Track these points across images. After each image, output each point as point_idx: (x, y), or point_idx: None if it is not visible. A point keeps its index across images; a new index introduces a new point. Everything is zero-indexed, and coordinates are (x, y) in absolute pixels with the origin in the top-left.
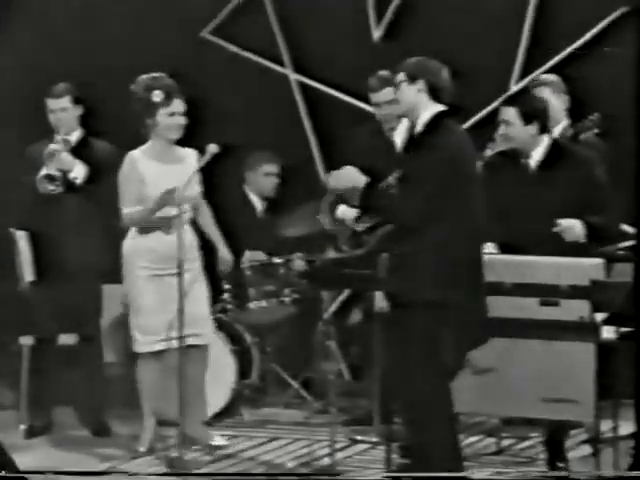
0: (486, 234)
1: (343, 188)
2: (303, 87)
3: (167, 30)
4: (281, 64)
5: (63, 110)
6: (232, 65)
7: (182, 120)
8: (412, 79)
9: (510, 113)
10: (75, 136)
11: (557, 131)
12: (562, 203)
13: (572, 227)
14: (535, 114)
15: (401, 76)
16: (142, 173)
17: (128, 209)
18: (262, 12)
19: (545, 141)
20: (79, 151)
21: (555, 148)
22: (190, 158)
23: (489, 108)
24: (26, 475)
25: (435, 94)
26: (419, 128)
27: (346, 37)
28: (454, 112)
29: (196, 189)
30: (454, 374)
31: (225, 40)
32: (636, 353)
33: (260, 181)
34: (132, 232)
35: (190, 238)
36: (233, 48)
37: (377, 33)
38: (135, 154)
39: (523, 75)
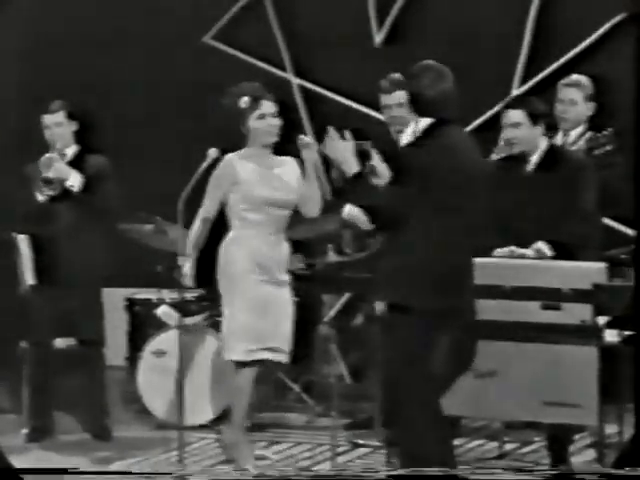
0: (483, 238)
1: (334, 158)
2: (305, 91)
3: (169, 35)
4: (283, 69)
5: (58, 125)
6: (233, 70)
7: (274, 121)
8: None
9: (518, 115)
10: (70, 151)
11: (574, 134)
12: (556, 207)
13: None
14: (540, 115)
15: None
16: (238, 174)
17: (203, 212)
18: (263, 17)
19: (543, 144)
20: (75, 166)
21: (551, 152)
22: (290, 165)
23: (491, 112)
24: (22, 475)
25: (422, 106)
26: (405, 140)
27: (348, 41)
28: (447, 122)
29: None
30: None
31: (227, 45)
32: (635, 355)
33: None
34: (231, 232)
35: (285, 249)
36: (235, 53)
37: (379, 37)
38: (232, 156)
39: (524, 79)
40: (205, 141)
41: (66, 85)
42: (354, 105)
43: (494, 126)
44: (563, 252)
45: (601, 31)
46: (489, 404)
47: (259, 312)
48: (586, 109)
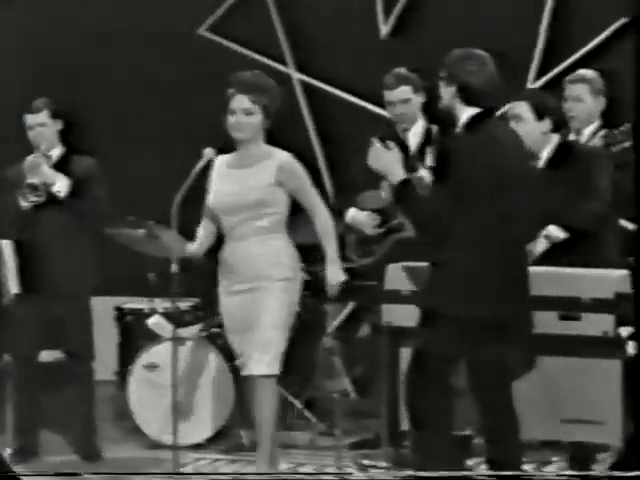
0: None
1: (378, 169)
2: (306, 87)
3: (162, 29)
4: (283, 63)
5: (42, 125)
6: (232, 64)
7: (242, 118)
8: (449, 80)
9: (522, 108)
10: (56, 153)
11: (587, 132)
12: (567, 204)
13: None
14: (548, 111)
15: (442, 72)
16: (211, 179)
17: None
18: (263, 7)
19: (554, 140)
20: (61, 168)
21: (564, 148)
22: (271, 160)
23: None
24: (19, 477)
25: (471, 96)
26: (456, 131)
27: (352, 34)
28: (489, 115)
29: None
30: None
31: (223, 37)
32: (635, 356)
33: None
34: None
35: (259, 251)
36: (232, 46)
37: (385, 29)
38: (217, 160)
39: (541, 73)
40: (201, 139)
41: (51, 80)
42: (358, 101)
43: None
44: (577, 235)
45: (602, 37)
46: None
47: (233, 326)
48: (596, 105)
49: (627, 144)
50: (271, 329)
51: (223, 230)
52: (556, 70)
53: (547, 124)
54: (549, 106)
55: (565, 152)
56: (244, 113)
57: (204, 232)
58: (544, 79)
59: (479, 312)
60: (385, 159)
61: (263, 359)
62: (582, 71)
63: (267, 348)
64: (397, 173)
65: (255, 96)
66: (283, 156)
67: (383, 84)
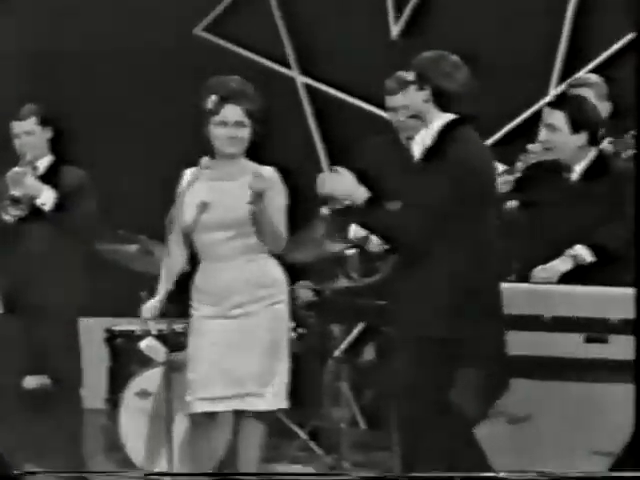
0: (503, 258)
1: (335, 195)
2: (311, 91)
3: (157, 32)
4: (287, 65)
5: (29, 134)
6: (230, 66)
7: (235, 132)
8: (421, 83)
9: (557, 117)
10: (43, 163)
11: None
12: (601, 221)
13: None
14: (585, 122)
15: (411, 76)
16: (184, 194)
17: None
18: (265, 6)
19: (591, 154)
20: (49, 179)
21: (599, 162)
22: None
23: (523, 116)
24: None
25: (446, 100)
26: (428, 140)
27: (361, 34)
28: (468, 121)
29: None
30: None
31: (222, 38)
32: (635, 357)
33: None
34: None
35: (251, 273)
36: (232, 47)
37: (396, 29)
38: (188, 172)
39: (563, 78)
40: (196, 149)
41: (41, 87)
42: (365, 106)
43: (522, 134)
44: (606, 257)
45: (610, 52)
46: (523, 453)
47: (212, 354)
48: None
49: (635, 150)
50: (272, 359)
51: (199, 249)
52: (570, 79)
53: (583, 138)
54: (588, 116)
55: (601, 168)
56: (238, 126)
57: (178, 248)
58: (558, 88)
59: (463, 331)
60: (341, 183)
61: (267, 393)
62: (585, 75)
63: (269, 380)
64: (360, 192)
65: (245, 106)
66: (269, 171)
67: (384, 89)
